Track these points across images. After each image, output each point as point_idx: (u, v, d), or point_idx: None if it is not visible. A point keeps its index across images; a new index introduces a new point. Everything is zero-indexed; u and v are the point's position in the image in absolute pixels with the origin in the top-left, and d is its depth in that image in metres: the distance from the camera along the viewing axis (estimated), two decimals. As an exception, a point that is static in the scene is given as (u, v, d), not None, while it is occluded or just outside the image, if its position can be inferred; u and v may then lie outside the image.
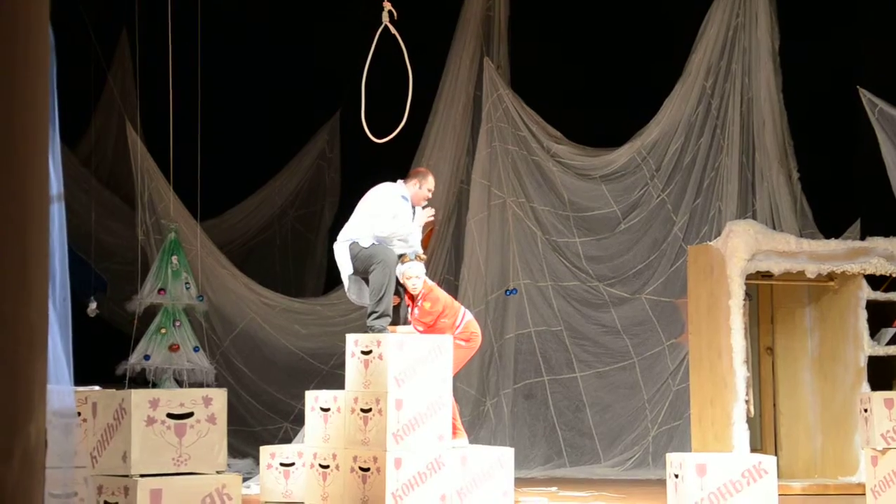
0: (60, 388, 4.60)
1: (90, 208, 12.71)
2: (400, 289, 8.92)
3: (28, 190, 2.80)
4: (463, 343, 8.74)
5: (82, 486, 4.99)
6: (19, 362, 2.74)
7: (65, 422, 4.81)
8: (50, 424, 3.40)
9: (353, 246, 8.74)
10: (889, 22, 11.99)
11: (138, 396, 6.49)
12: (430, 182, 8.92)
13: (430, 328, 8.72)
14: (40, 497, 2.84)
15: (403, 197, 8.83)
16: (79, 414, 6.15)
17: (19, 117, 2.79)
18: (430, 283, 8.93)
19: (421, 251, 8.98)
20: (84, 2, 12.32)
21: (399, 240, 8.73)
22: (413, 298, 8.85)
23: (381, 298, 8.64)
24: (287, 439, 11.57)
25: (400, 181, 8.95)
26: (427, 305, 8.74)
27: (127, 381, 11.32)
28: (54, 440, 4.26)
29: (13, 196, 2.75)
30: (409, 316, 8.87)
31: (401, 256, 8.73)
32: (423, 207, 8.93)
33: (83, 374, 6.90)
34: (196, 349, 11.69)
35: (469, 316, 9.03)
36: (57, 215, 4.19)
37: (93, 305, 11.94)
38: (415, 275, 8.72)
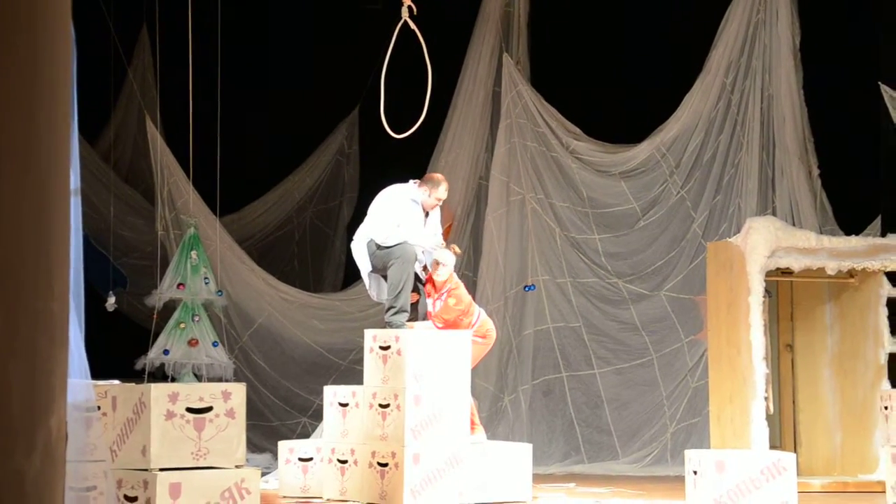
0: (79, 382, 4.61)
1: (109, 203, 12.73)
2: (418, 285, 8.93)
3: (51, 183, 2.80)
4: (479, 340, 8.76)
5: (102, 480, 5.01)
6: (41, 355, 2.74)
7: (84, 415, 4.83)
8: (70, 418, 3.40)
9: (370, 244, 8.76)
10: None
11: (157, 391, 6.51)
12: (440, 191, 8.87)
13: (450, 325, 8.73)
14: (61, 490, 2.84)
15: (413, 200, 8.80)
16: (98, 408, 6.17)
17: (41, 112, 2.79)
18: (457, 279, 8.96)
19: (455, 247, 9.02)
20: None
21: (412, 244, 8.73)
22: (435, 288, 8.84)
23: (398, 294, 8.65)
24: (305, 434, 11.58)
25: (413, 182, 8.92)
26: (452, 302, 8.75)
27: (146, 376, 11.34)
28: (74, 434, 4.26)
29: (36, 189, 2.75)
30: (430, 309, 8.87)
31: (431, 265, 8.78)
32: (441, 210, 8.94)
33: (103, 369, 6.92)
34: (215, 344, 11.70)
35: (484, 314, 9.04)
36: (73, 210, 4.20)
37: (111, 300, 11.95)
38: (446, 263, 8.75)
